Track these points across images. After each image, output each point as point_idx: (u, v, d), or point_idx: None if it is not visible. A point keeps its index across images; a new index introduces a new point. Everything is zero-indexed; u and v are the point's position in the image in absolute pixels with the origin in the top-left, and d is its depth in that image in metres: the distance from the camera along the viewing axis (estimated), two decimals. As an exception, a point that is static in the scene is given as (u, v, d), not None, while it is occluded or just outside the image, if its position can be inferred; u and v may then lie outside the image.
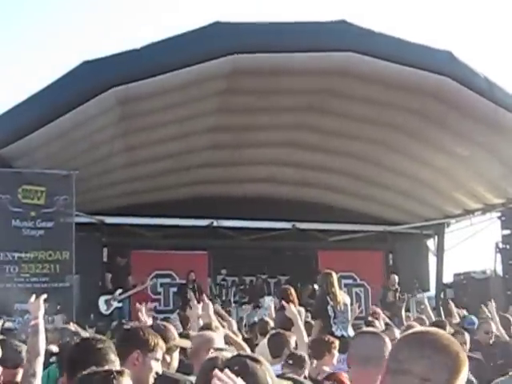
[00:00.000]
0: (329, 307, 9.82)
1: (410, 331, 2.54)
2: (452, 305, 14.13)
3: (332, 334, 9.19)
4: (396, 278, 18.46)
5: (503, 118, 15.32)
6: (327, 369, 6.93)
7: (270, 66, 14.06)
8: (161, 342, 4.34)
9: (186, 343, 5.39)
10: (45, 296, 4.96)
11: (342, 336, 9.28)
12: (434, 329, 2.56)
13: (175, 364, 5.08)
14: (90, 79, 13.38)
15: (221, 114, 15.67)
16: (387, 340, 4.14)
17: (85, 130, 14.20)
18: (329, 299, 9.93)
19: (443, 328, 8.73)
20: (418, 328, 2.60)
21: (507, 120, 15.42)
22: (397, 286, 18.21)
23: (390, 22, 46.63)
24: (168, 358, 4.95)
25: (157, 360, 4.26)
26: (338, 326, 9.69)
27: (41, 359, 4.71)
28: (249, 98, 15.26)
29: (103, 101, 13.42)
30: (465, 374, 2.32)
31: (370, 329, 5.19)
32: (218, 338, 5.35)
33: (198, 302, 7.90)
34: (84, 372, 3.05)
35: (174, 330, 5.37)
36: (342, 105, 15.96)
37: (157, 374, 4.26)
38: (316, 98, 15.68)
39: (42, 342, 4.76)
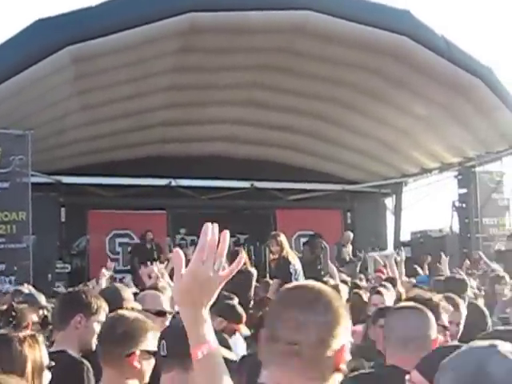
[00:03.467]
0: (290, 266, 10.04)
1: (281, 289, 2.32)
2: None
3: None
4: (351, 234, 18.46)
5: (460, 77, 15.42)
6: None
7: (227, 25, 13.92)
8: (104, 305, 4.32)
9: (138, 305, 5.37)
10: None
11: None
12: (303, 283, 2.38)
13: None
14: (44, 38, 13.15)
15: (179, 72, 15.52)
16: (430, 315, 3.73)
17: (39, 88, 13.98)
18: (290, 258, 10.18)
19: (394, 285, 8.81)
20: (289, 285, 2.35)
21: (465, 80, 15.51)
22: (350, 244, 18.16)
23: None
24: None
25: (99, 322, 4.22)
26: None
27: None
28: (207, 57, 15.11)
29: (58, 59, 13.19)
30: (345, 329, 2.16)
31: (410, 303, 4.26)
32: (165, 299, 5.31)
33: (161, 262, 7.92)
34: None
35: (129, 292, 5.35)
36: (301, 64, 15.87)
37: None
38: (275, 57, 15.59)
39: None
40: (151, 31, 13.36)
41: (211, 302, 2.02)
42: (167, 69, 15.23)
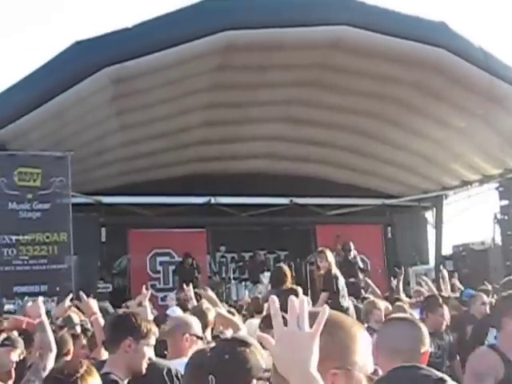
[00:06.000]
0: (339, 282, 10.07)
1: None
2: (445, 276, 13.62)
3: (340, 305, 9.49)
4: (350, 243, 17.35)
5: (499, 88, 15.27)
6: None
7: (263, 42, 13.96)
8: (154, 328, 4.33)
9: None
10: (42, 298, 4.98)
11: (347, 308, 9.62)
12: None
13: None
14: (83, 59, 13.30)
15: (216, 90, 15.57)
16: (423, 328, 3.69)
17: (79, 110, 14.14)
18: (338, 275, 10.21)
19: (437, 301, 8.69)
20: None
21: (503, 90, 15.37)
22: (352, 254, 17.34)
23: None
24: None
25: (149, 346, 4.27)
26: (345, 299, 9.98)
27: (52, 354, 4.72)
28: (244, 74, 15.17)
29: (96, 81, 13.34)
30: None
31: (402, 315, 4.50)
32: (195, 323, 5.31)
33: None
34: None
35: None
36: (338, 79, 15.86)
37: (149, 359, 4.25)
38: (312, 73, 15.58)
39: (50, 336, 4.78)
40: (188, 50, 13.44)
41: (317, 358, 1.87)
42: (204, 87, 15.29)
